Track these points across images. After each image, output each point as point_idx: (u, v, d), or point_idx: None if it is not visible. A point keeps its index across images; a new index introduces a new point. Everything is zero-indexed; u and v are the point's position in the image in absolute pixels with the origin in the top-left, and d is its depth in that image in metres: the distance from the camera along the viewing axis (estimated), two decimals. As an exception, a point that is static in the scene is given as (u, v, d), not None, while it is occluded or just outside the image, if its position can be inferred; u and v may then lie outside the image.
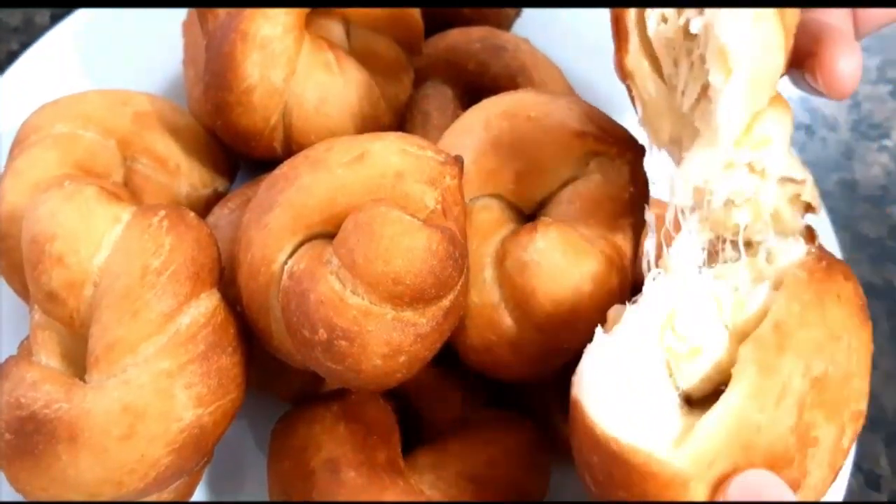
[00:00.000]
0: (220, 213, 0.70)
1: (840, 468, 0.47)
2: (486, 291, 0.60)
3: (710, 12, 0.45)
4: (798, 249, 0.49)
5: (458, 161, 0.58)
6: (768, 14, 0.44)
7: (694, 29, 0.46)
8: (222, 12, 0.67)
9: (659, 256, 0.51)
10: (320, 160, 0.58)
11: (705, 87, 0.47)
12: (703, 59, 0.46)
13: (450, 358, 0.63)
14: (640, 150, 0.62)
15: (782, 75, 0.48)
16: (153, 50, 0.85)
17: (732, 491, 0.43)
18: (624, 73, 0.51)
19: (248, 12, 0.65)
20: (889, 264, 0.85)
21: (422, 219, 0.54)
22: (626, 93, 0.80)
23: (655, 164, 0.65)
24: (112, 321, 0.54)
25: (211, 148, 0.76)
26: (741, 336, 0.46)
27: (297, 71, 0.68)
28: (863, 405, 0.47)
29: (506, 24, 0.86)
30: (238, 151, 0.74)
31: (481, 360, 0.62)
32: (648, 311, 0.47)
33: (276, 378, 0.68)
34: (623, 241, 0.60)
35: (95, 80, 0.84)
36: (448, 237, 0.54)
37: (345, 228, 0.54)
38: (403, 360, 0.54)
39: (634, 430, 0.43)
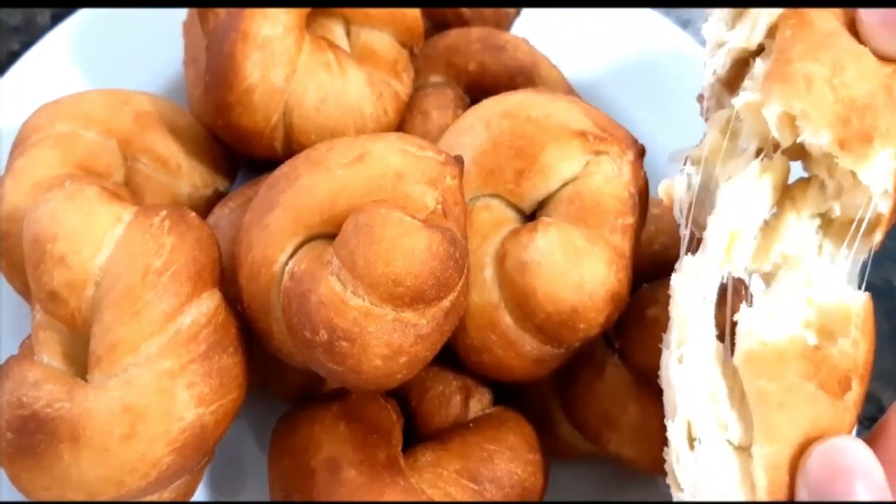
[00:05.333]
0: (221, 213, 0.70)
1: None
2: (486, 291, 0.60)
3: None
4: None
5: (459, 161, 0.59)
6: None
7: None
8: (222, 12, 0.67)
9: None
10: (321, 160, 0.58)
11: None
12: None
13: (450, 358, 0.64)
14: (640, 150, 0.62)
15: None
16: (154, 50, 0.85)
17: (814, 461, 0.46)
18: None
19: (249, 12, 0.65)
20: (889, 264, 0.85)
21: (422, 219, 0.54)
22: (625, 93, 0.81)
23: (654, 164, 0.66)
24: (113, 321, 0.54)
25: (212, 148, 0.76)
26: None
27: (298, 71, 0.68)
28: None
29: (505, 24, 0.86)
30: (239, 151, 0.74)
31: (481, 360, 0.62)
32: None
33: (277, 378, 0.69)
34: (623, 241, 0.60)
35: (96, 80, 0.84)
36: (448, 238, 0.54)
37: (345, 230, 0.54)
38: (404, 361, 0.54)
39: None
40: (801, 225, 0.54)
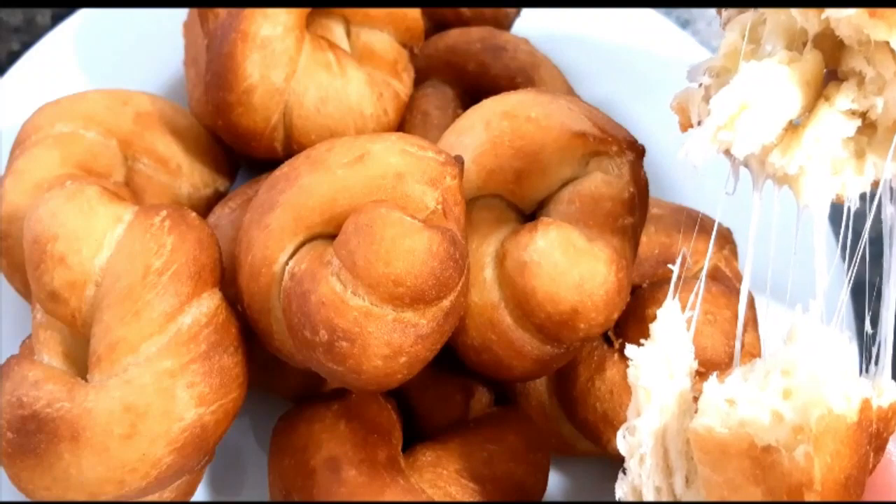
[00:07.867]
0: (221, 213, 0.70)
1: None
2: (486, 291, 0.60)
3: None
4: None
5: (459, 161, 0.59)
6: None
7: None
8: (223, 12, 0.68)
9: None
10: (321, 160, 0.58)
11: None
12: None
13: (450, 358, 0.64)
14: (640, 150, 0.62)
15: None
16: (154, 50, 0.85)
17: None
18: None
19: (249, 12, 0.66)
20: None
21: (422, 219, 0.54)
22: (625, 93, 0.80)
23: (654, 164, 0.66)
24: (114, 321, 0.54)
25: (212, 148, 0.76)
26: None
27: (298, 71, 0.68)
28: None
29: (506, 24, 0.86)
30: (239, 151, 0.74)
31: (481, 360, 0.62)
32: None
33: (277, 377, 0.69)
34: (623, 241, 0.60)
35: (96, 81, 0.84)
36: (448, 238, 0.54)
37: (345, 230, 0.54)
38: (404, 361, 0.54)
39: None
40: (834, 117, 0.46)
